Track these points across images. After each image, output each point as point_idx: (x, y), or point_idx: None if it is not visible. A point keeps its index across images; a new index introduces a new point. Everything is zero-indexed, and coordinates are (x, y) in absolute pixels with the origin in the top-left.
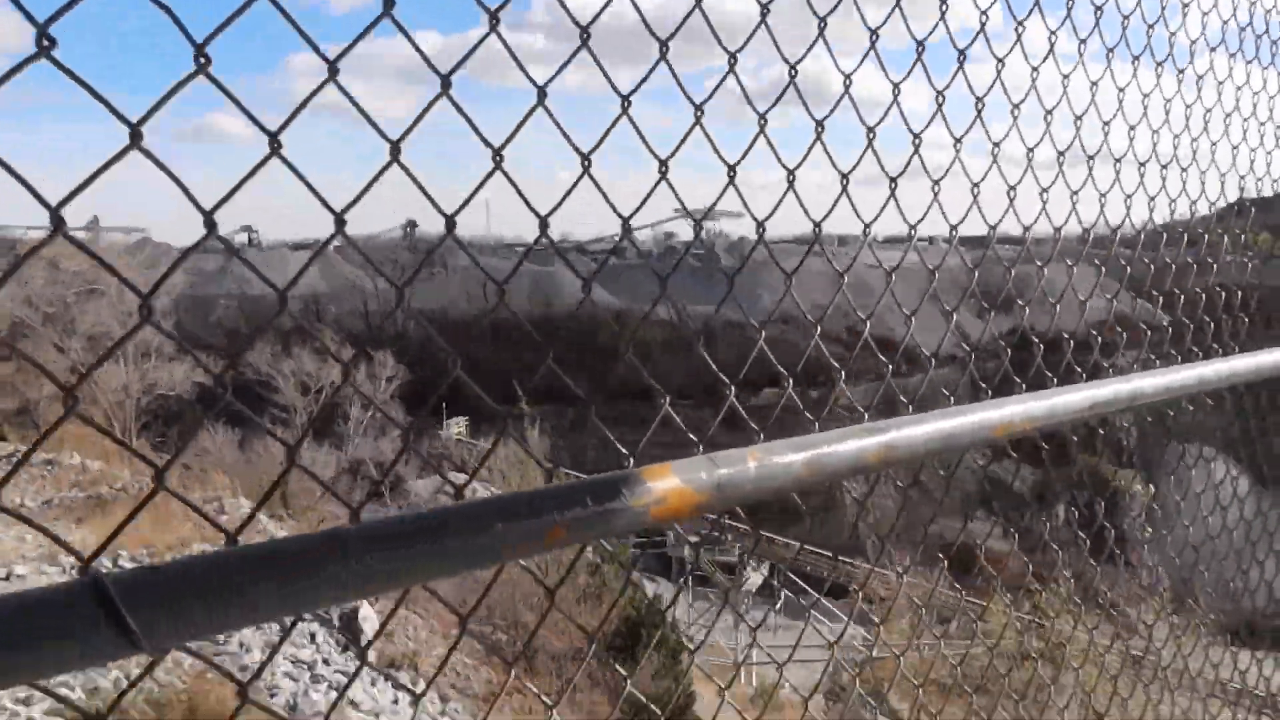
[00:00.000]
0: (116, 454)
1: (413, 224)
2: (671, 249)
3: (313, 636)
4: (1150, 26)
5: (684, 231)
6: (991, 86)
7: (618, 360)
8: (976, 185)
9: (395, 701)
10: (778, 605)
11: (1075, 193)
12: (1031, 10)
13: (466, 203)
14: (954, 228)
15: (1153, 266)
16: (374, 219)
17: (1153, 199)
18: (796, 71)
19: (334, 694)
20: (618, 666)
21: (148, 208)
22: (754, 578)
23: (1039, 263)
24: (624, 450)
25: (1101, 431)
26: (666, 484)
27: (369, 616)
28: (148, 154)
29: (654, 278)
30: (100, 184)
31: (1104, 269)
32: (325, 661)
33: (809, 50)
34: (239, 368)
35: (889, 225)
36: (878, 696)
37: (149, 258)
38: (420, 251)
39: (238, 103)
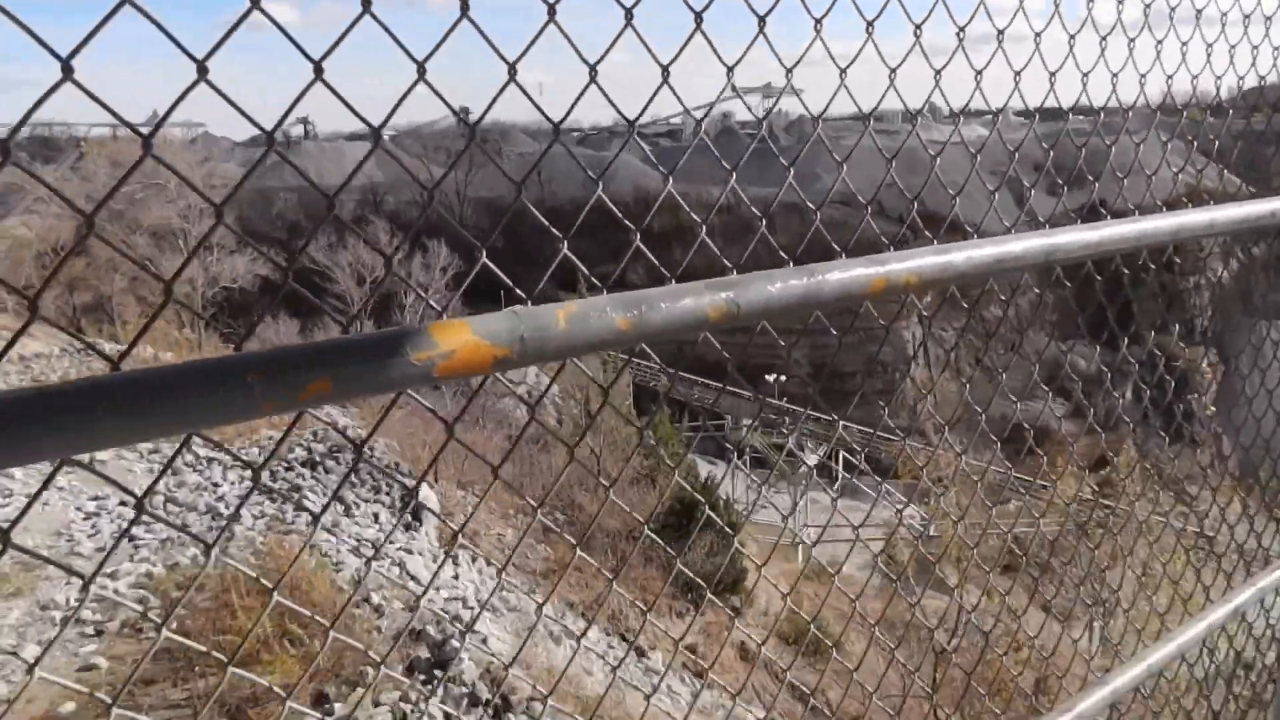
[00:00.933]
0: (185, 344)
1: (466, 110)
2: (729, 130)
3: (376, 517)
4: None
5: (741, 110)
6: None
7: (671, 248)
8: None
9: (456, 577)
10: (836, 485)
11: (1159, 45)
12: None
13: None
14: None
15: (1233, 135)
16: (431, 106)
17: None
18: None
19: (395, 569)
20: (664, 545)
21: (204, 102)
22: (811, 459)
23: (1119, 135)
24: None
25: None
26: (458, 339)
27: (429, 497)
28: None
29: (710, 160)
30: (159, 77)
31: (1194, 141)
32: (391, 540)
33: None
34: (298, 260)
35: (954, 97)
36: (930, 572)
37: (202, 149)
38: (474, 140)
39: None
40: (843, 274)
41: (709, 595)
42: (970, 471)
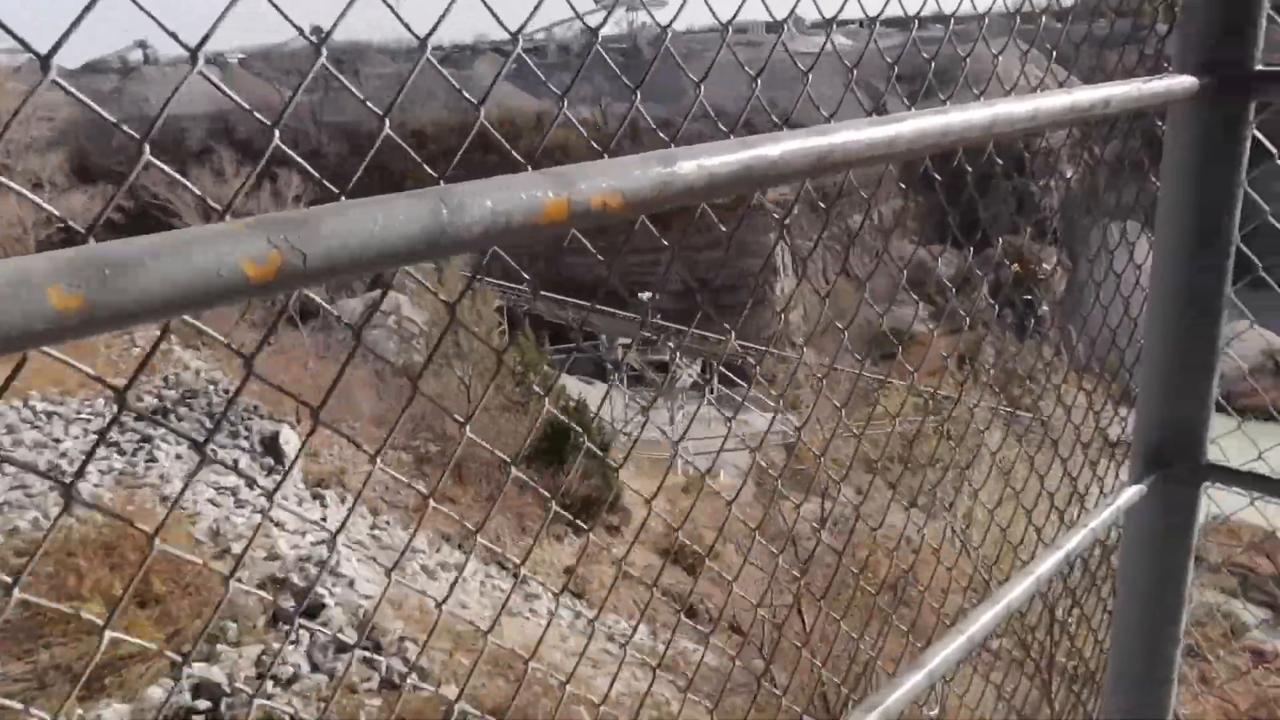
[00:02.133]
0: None
1: (317, 30)
2: (590, 45)
3: (235, 463)
4: None
5: (606, 26)
6: None
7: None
8: None
9: (323, 519)
10: (710, 398)
11: None
12: None
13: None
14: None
15: (1073, 41)
16: (278, 27)
17: None
18: None
19: (258, 517)
20: (529, 480)
21: (31, 20)
22: (686, 376)
23: (977, 42)
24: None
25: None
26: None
27: (290, 439)
28: None
29: (581, 77)
30: None
31: (1052, 51)
32: (250, 485)
33: None
34: (139, 194)
35: (825, 6)
36: (803, 477)
37: (27, 77)
38: (330, 60)
39: None
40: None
41: (569, 521)
42: (835, 377)
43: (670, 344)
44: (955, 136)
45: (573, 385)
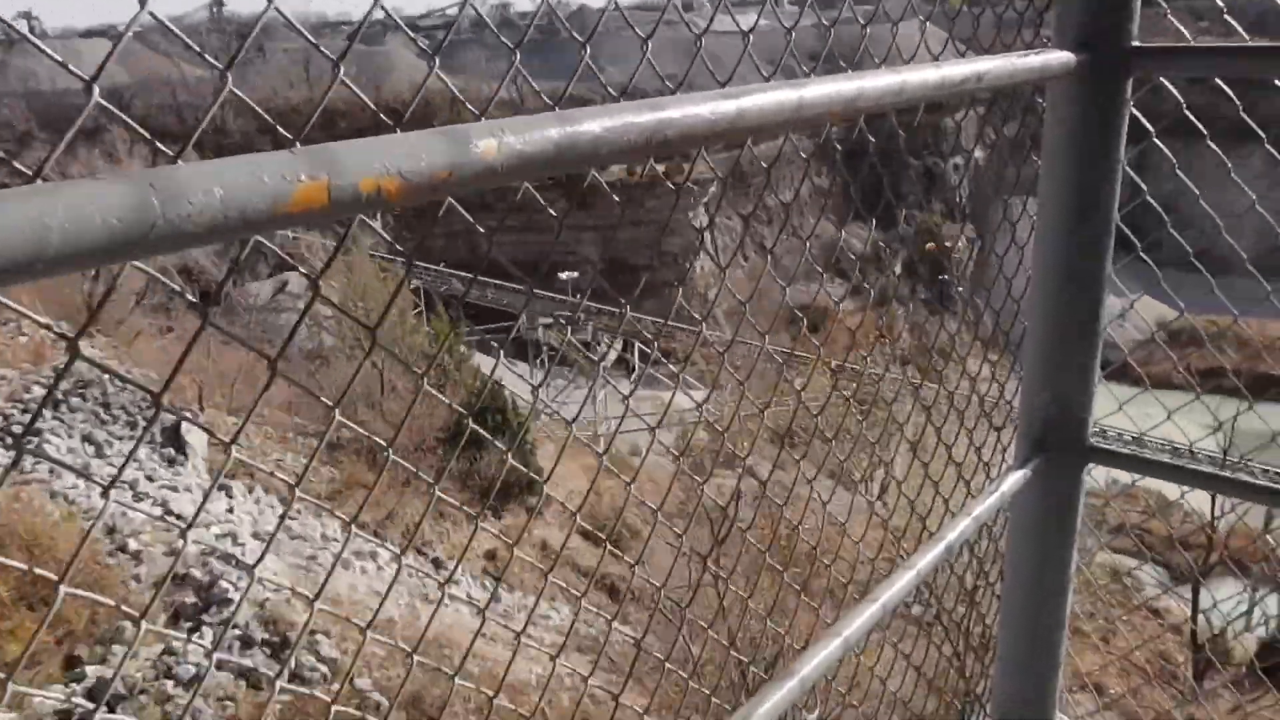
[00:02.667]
0: None
1: (219, 3)
2: (508, 21)
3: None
4: None
5: (520, 2)
6: None
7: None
8: None
9: (230, 510)
10: (633, 377)
11: None
12: None
13: None
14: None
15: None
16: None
17: None
18: None
19: (158, 509)
20: (430, 477)
21: None
22: (610, 354)
23: (892, 21)
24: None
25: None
26: None
27: (192, 430)
28: None
29: (491, 53)
30: None
31: (951, 27)
32: (149, 478)
33: None
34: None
35: None
36: (722, 453)
37: None
38: (230, 34)
39: None
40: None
41: (482, 503)
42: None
43: (591, 323)
44: (818, 109)
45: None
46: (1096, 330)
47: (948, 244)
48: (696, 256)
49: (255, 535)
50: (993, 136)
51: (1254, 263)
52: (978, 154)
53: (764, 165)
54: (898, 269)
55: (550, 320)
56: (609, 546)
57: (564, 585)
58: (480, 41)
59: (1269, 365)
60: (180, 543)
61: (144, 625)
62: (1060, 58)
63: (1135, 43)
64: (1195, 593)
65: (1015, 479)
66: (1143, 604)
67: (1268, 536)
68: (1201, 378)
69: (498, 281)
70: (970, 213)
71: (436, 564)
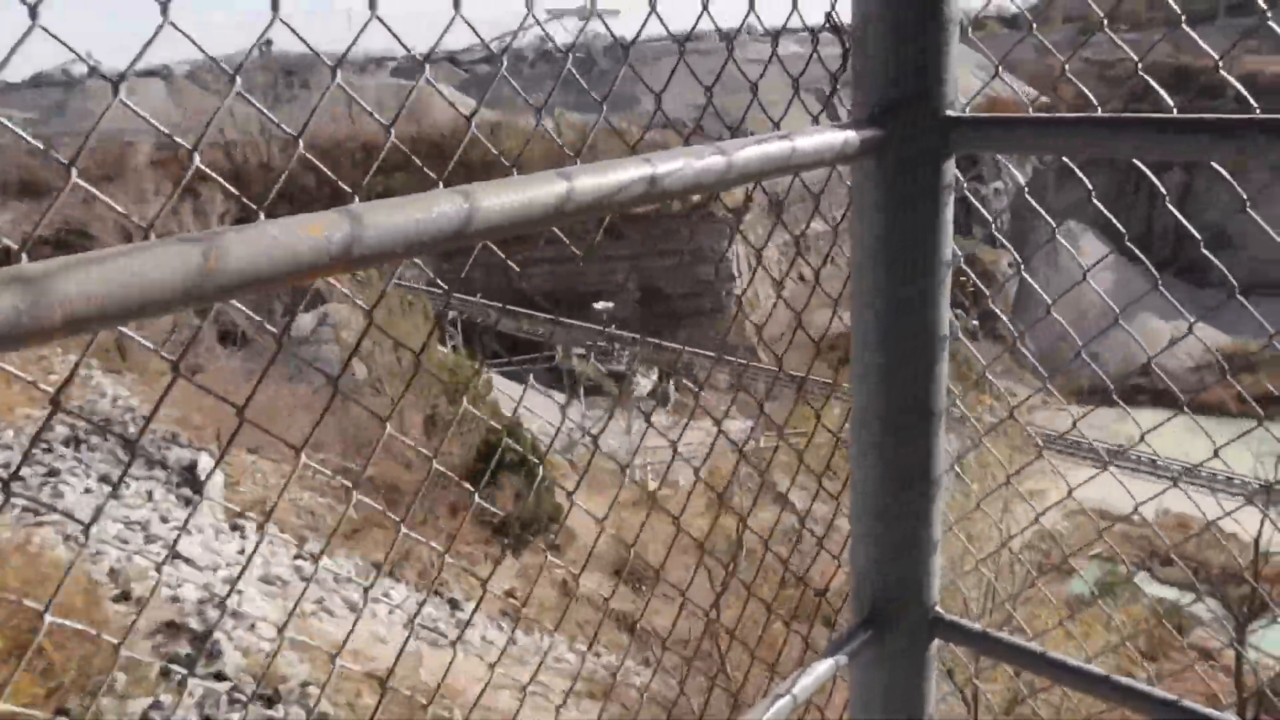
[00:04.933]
0: None
1: (268, 42)
2: (547, 54)
3: (150, 494)
4: None
5: (560, 35)
6: None
7: (492, 176)
8: None
9: (241, 552)
10: (668, 405)
11: None
12: None
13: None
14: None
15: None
16: (225, 37)
17: None
18: None
19: (166, 553)
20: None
21: None
22: (644, 383)
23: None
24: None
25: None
26: None
27: (209, 467)
28: None
29: (530, 86)
30: None
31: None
32: (163, 519)
33: None
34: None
35: (773, 16)
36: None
37: None
38: (278, 71)
39: None
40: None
41: (507, 539)
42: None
43: (626, 352)
44: (586, 200)
45: (528, 398)
46: (931, 476)
47: (973, 274)
48: (732, 283)
49: (264, 579)
50: (1037, 161)
51: None
52: (1020, 178)
53: (810, 191)
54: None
55: (584, 350)
56: (626, 585)
57: (580, 625)
58: (518, 75)
59: None
60: (180, 587)
61: (123, 657)
62: (847, 137)
63: (951, 112)
64: (1241, 631)
65: (846, 651)
66: (1192, 644)
67: None
68: (1260, 402)
69: (532, 312)
70: (1011, 238)
71: (453, 605)
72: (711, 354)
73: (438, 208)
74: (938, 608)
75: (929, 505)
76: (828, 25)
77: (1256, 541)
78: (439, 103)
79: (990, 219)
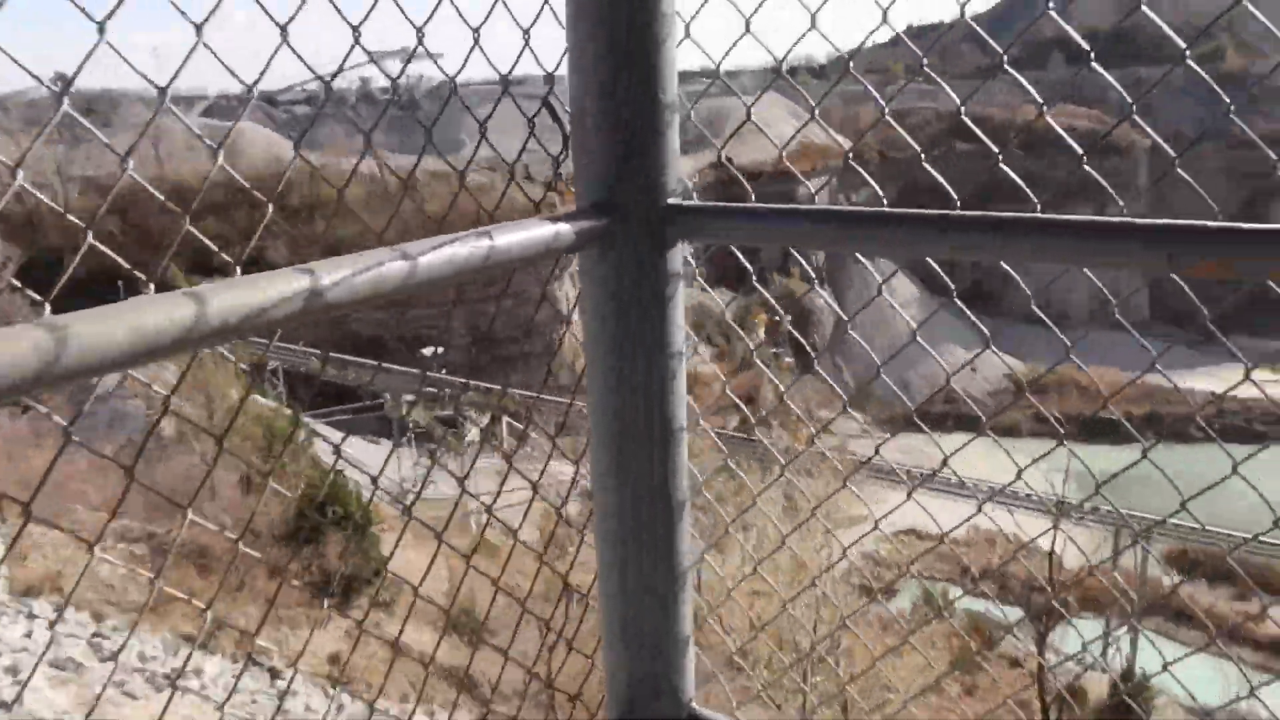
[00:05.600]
0: None
1: (63, 77)
2: (368, 96)
3: None
4: None
5: (381, 77)
6: None
7: (314, 221)
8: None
9: (29, 635)
10: (498, 451)
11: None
12: None
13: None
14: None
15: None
16: (13, 74)
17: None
18: None
19: None
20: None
21: None
22: (473, 430)
23: (740, 96)
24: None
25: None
26: None
27: None
28: None
29: (349, 128)
30: None
31: (814, 106)
32: None
33: None
34: None
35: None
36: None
37: None
38: (78, 109)
39: None
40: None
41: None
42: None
43: (457, 398)
44: (358, 298)
45: (357, 447)
46: (677, 570)
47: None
48: (563, 325)
49: (54, 664)
50: (847, 204)
51: (1090, 315)
52: None
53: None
54: (761, 333)
55: (413, 397)
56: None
57: (413, 683)
58: (338, 117)
59: (1108, 410)
60: None
61: None
62: (559, 229)
63: (672, 200)
64: (1041, 636)
65: None
66: (1002, 655)
67: (1114, 574)
68: (1047, 423)
69: (358, 360)
70: (827, 276)
71: (274, 674)
72: (540, 396)
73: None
74: (694, 704)
75: (676, 605)
76: (550, 116)
77: (1051, 553)
78: (255, 144)
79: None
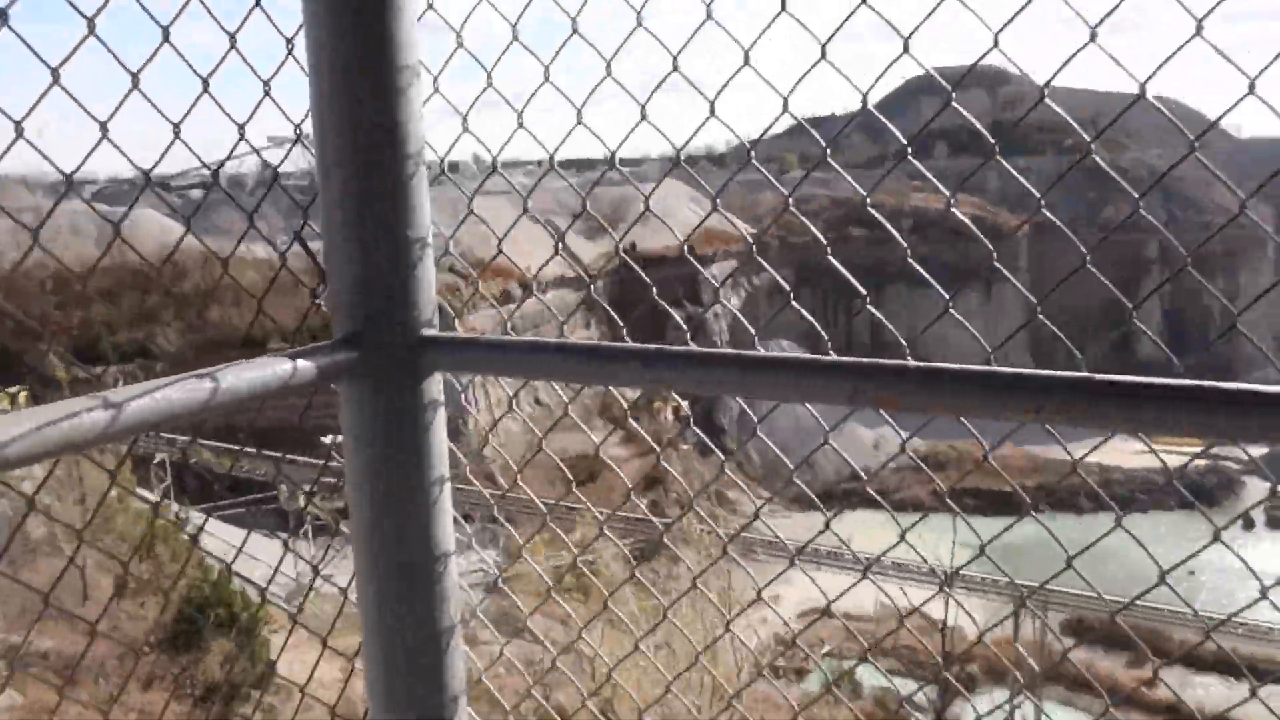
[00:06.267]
0: None
1: None
2: (266, 181)
3: None
4: None
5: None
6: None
7: (210, 306)
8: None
9: None
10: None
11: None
12: None
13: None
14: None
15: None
16: None
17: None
18: None
19: None
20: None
21: None
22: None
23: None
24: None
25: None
26: None
27: None
28: None
29: (249, 214)
30: None
31: (717, 195)
32: None
33: None
34: None
35: (509, 150)
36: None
37: None
38: None
39: None
40: None
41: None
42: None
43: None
44: (46, 452)
45: (251, 542)
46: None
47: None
48: (470, 409)
49: None
50: (748, 286)
51: None
52: (734, 302)
53: (534, 323)
54: (669, 415)
55: (310, 487)
56: None
57: None
58: (234, 203)
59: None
60: None
61: None
62: (299, 365)
63: (426, 331)
64: (940, 710)
65: None
66: None
67: (1016, 645)
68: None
69: (250, 450)
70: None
71: None
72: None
73: None
74: None
75: None
76: (305, 251)
77: (944, 625)
78: (148, 230)
79: (715, 340)
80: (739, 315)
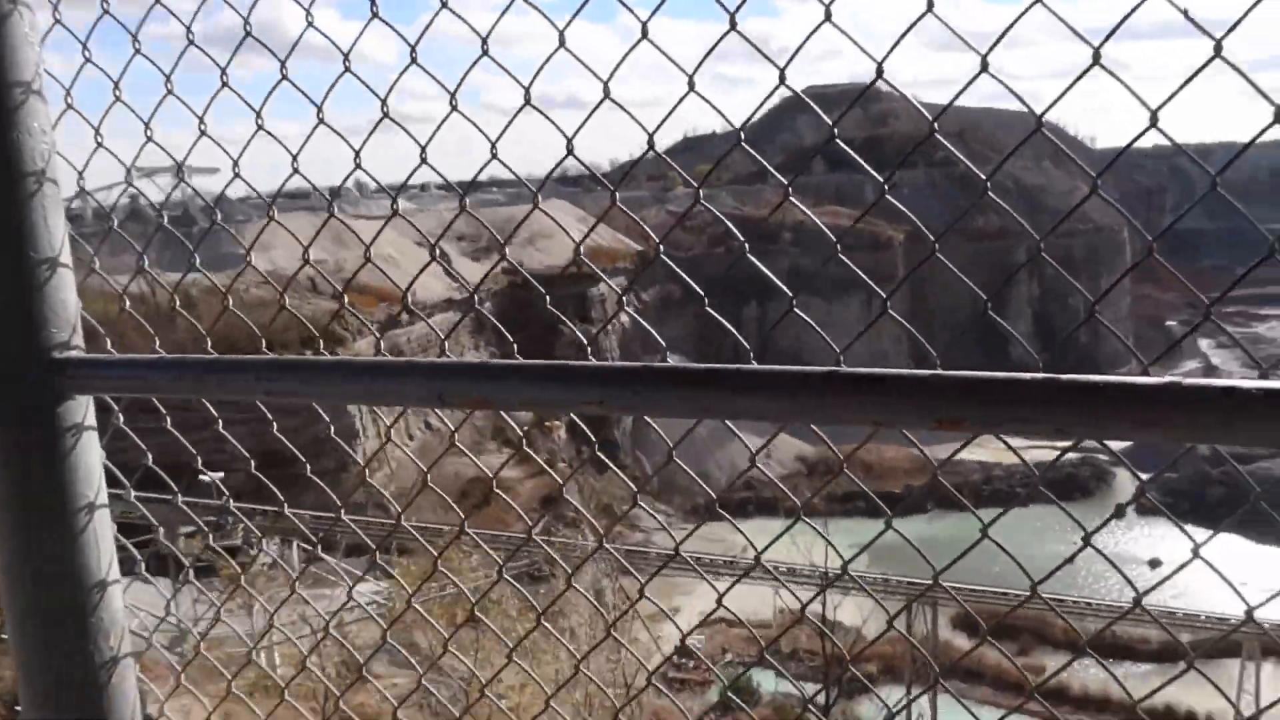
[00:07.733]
0: None
1: None
2: (136, 213)
3: None
4: None
5: (152, 191)
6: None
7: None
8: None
9: None
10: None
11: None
12: None
13: None
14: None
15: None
16: None
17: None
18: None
19: None
20: None
21: None
22: (263, 556)
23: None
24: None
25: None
26: None
27: None
28: None
29: (119, 246)
30: None
31: (600, 214)
32: None
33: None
34: None
35: (384, 174)
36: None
37: None
38: None
39: None
40: None
41: None
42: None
43: (241, 525)
44: None
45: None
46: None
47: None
48: (357, 439)
49: None
50: (637, 303)
51: None
52: (624, 318)
53: (422, 346)
54: (562, 434)
55: (192, 529)
56: None
57: None
58: (102, 234)
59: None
60: None
61: None
62: None
63: (64, 353)
64: (825, 708)
65: None
66: None
67: (912, 640)
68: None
69: (118, 491)
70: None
71: None
72: (332, 515)
73: None
74: None
75: None
76: None
77: (822, 621)
78: None
79: (605, 357)
80: (625, 330)
